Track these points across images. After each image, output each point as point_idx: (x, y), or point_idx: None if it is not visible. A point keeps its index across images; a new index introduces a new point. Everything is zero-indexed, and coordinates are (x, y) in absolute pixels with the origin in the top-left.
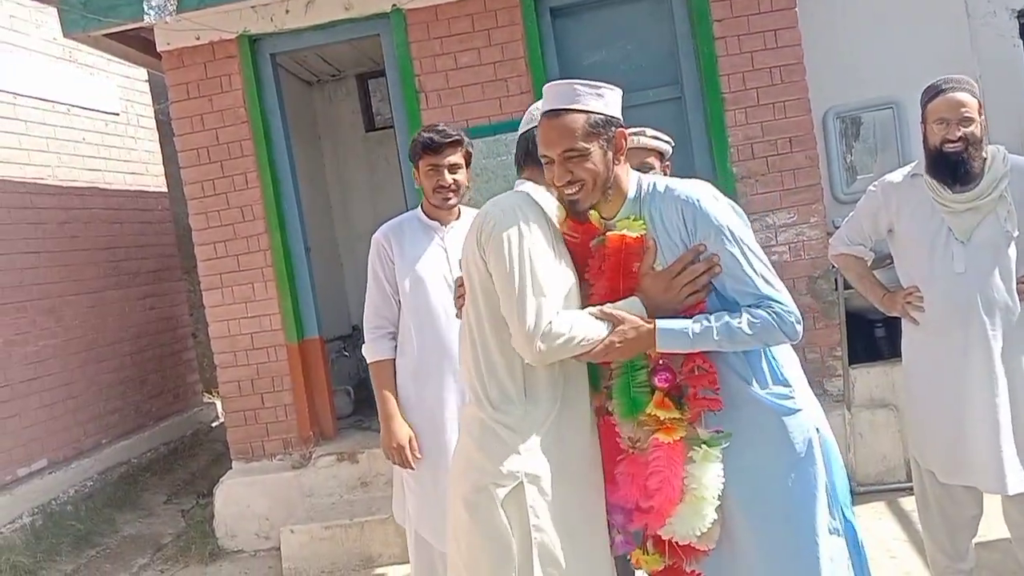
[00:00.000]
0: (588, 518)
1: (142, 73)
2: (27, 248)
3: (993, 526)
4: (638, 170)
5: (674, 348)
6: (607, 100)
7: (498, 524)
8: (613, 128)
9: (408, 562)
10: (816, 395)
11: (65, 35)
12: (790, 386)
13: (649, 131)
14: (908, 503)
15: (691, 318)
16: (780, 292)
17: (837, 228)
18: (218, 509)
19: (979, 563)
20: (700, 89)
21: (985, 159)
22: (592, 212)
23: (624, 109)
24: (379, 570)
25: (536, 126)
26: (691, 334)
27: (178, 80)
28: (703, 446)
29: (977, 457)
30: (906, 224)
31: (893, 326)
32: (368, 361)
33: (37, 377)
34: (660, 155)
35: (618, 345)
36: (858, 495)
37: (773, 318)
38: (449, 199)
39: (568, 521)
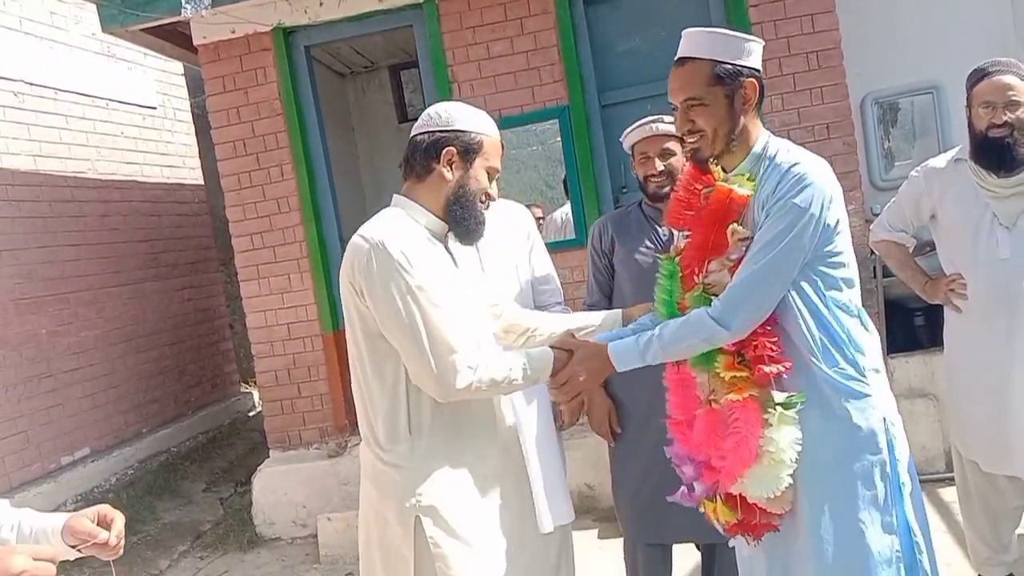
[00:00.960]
0: (520, 514)
1: (178, 67)
2: (69, 241)
3: None
4: (659, 157)
5: (631, 365)
6: (741, 49)
7: (403, 558)
8: (742, 78)
9: None
10: None
11: (104, 30)
12: (863, 370)
13: (667, 118)
14: (947, 494)
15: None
16: (743, 296)
17: (876, 215)
18: (256, 497)
19: (1022, 555)
20: None
21: None
22: (715, 167)
23: (657, 96)
24: None
25: (429, 130)
26: (640, 347)
27: (214, 73)
28: (778, 408)
29: (1021, 446)
30: (949, 210)
31: (933, 315)
32: None
33: (79, 367)
34: (681, 141)
35: (581, 378)
36: None
37: (703, 314)
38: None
39: (491, 528)
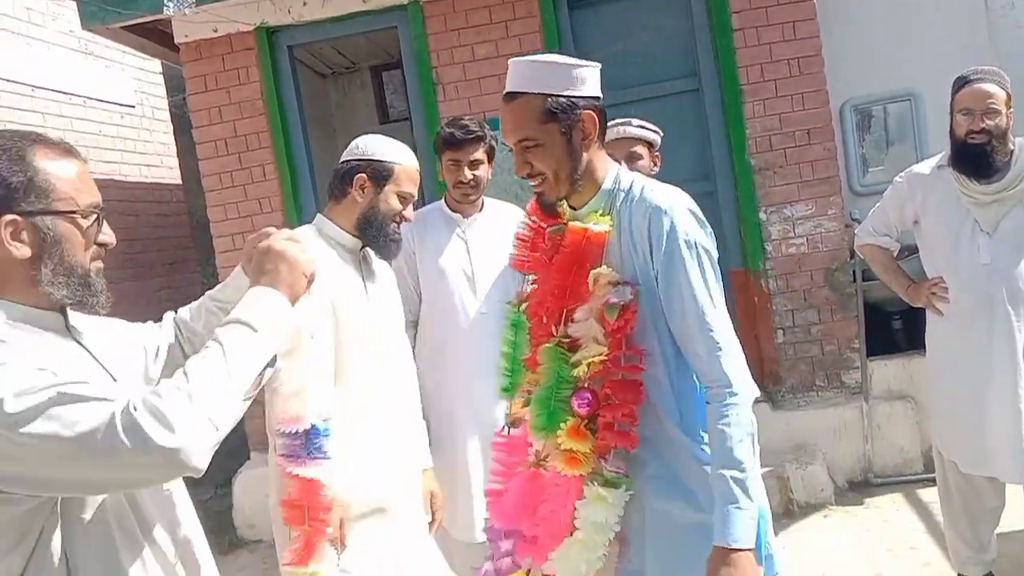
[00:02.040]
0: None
1: (156, 66)
2: None
3: (1014, 517)
4: (627, 160)
5: (750, 531)
6: (573, 78)
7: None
8: (578, 111)
9: None
10: (834, 388)
11: (84, 27)
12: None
13: (635, 121)
14: (926, 494)
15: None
16: (724, 355)
17: (855, 220)
18: (237, 500)
19: (1000, 554)
20: (718, 81)
21: (1012, 151)
22: (562, 205)
23: (641, 101)
24: None
25: (348, 159)
26: (735, 508)
27: (196, 72)
28: (600, 485)
29: (999, 448)
30: (932, 215)
31: (911, 318)
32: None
33: None
34: (649, 145)
35: None
36: (876, 486)
37: (728, 423)
38: (469, 195)
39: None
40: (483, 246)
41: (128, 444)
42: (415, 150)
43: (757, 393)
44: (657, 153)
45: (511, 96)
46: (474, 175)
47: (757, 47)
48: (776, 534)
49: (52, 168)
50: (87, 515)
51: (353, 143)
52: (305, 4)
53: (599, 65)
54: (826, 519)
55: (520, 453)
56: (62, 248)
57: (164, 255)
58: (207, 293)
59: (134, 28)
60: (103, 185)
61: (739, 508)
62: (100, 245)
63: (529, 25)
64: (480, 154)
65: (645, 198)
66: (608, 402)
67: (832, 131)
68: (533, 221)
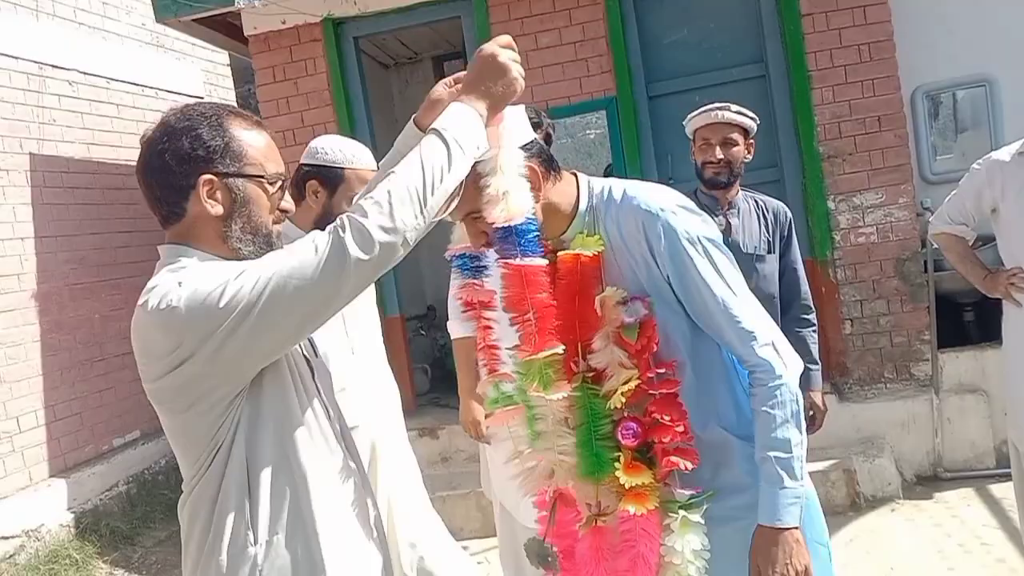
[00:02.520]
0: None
1: (224, 57)
2: (120, 228)
3: None
4: (721, 146)
5: (794, 511)
6: (503, 132)
7: None
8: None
9: (489, 536)
10: (903, 380)
11: (157, 20)
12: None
13: (734, 107)
14: (998, 490)
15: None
16: (759, 342)
17: (926, 209)
18: None
19: None
20: (785, 67)
21: None
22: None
23: (706, 88)
24: (461, 543)
25: (309, 163)
26: (781, 487)
27: (264, 64)
28: (680, 511)
29: None
30: (1012, 203)
31: (983, 310)
32: (452, 337)
33: (129, 352)
34: (744, 132)
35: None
36: (946, 481)
37: (773, 404)
38: None
39: None
40: None
41: (338, 263)
42: None
43: (800, 367)
44: (752, 141)
45: None
46: None
47: (826, 32)
48: (842, 527)
49: (245, 136)
50: (263, 415)
51: (311, 144)
52: None
53: (523, 105)
54: (894, 513)
55: (569, 503)
56: (249, 209)
57: None
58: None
59: (204, 20)
60: None
61: (783, 488)
62: (281, 211)
63: (592, 13)
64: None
65: (630, 205)
66: (656, 424)
67: (904, 118)
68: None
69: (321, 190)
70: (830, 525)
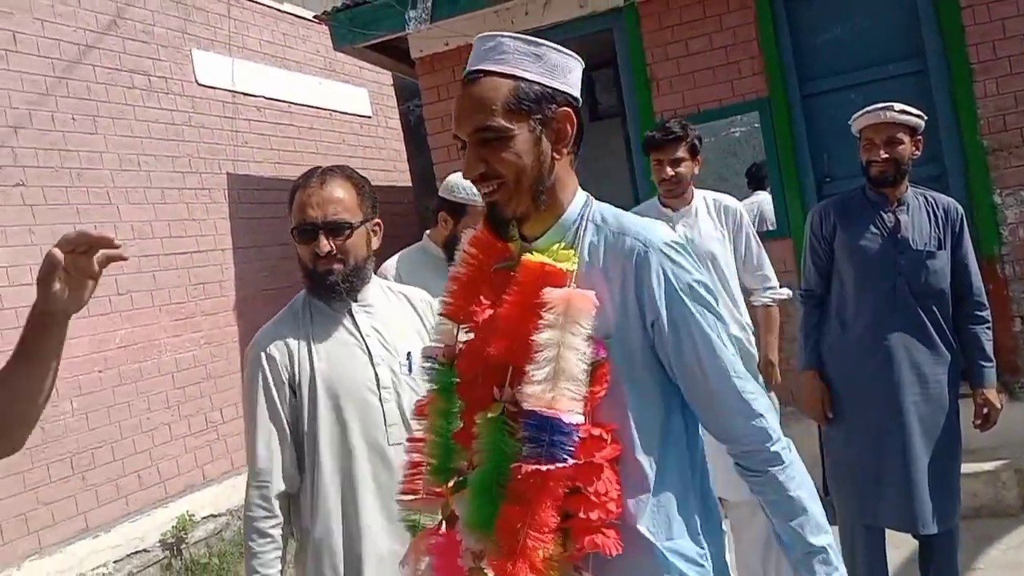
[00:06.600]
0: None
1: (388, 78)
2: None
3: None
4: (886, 145)
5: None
6: (554, 65)
7: None
8: (555, 106)
9: None
10: None
11: (336, 48)
12: (703, 545)
13: (898, 105)
14: None
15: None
16: (765, 418)
17: None
18: None
19: None
20: (944, 61)
21: None
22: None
23: (861, 85)
24: None
25: (449, 199)
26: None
27: (429, 84)
28: None
29: None
30: None
31: None
32: None
33: None
34: (911, 131)
35: None
36: None
37: (793, 481)
38: (672, 190)
39: None
40: (697, 235)
41: None
42: (627, 147)
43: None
44: (919, 138)
45: (471, 77)
46: (675, 172)
47: (988, 24)
48: (1013, 529)
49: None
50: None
51: (446, 179)
52: (527, 13)
53: (582, 64)
54: None
55: (446, 555)
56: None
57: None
58: None
59: (374, 46)
60: None
61: (826, 561)
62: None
63: (744, 16)
64: (683, 152)
65: (622, 235)
66: (580, 494)
67: None
68: (472, 256)
69: (449, 219)
70: (1000, 527)
